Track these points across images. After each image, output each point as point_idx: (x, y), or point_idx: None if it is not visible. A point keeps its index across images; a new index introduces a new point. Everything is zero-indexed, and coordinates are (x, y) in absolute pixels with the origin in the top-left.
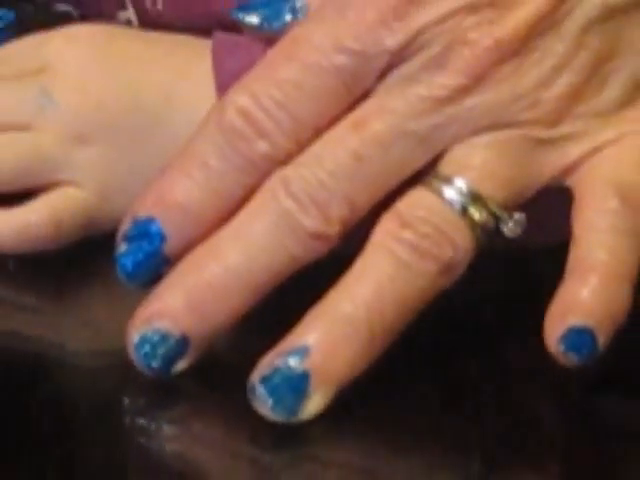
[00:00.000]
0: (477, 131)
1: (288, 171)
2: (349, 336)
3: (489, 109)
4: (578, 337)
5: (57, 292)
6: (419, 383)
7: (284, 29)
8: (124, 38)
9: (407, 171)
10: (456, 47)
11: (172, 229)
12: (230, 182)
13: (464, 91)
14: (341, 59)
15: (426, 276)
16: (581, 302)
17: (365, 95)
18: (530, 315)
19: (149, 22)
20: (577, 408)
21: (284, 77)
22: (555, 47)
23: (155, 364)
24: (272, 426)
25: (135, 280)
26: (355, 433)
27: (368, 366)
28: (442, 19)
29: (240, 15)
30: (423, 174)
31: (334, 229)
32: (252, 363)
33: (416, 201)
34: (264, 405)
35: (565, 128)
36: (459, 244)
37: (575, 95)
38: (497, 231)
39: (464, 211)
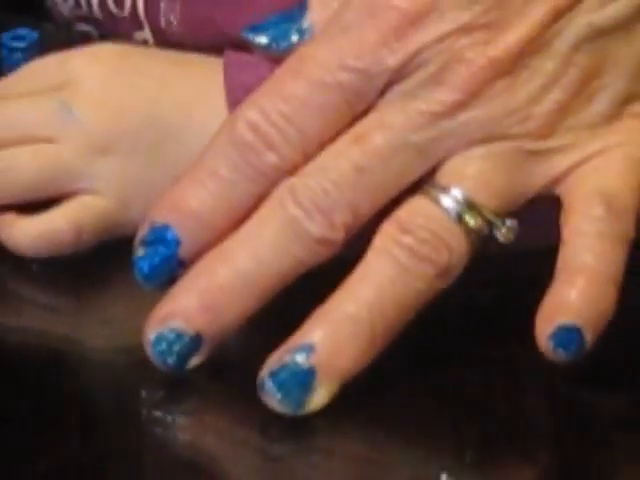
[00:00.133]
0: (472, 143)
1: (295, 181)
2: (352, 334)
3: (483, 123)
4: (566, 335)
5: (77, 293)
6: (418, 379)
7: (291, 49)
8: (141, 56)
9: (406, 181)
10: (452, 65)
11: (186, 235)
12: (240, 191)
13: (460, 106)
14: (345, 77)
15: (424, 279)
16: (569, 302)
17: (367, 110)
18: (521, 314)
19: (164, 41)
20: (565, 401)
21: (291, 93)
22: (545, 65)
23: (170, 360)
24: (280, 418)
25: (151, 282)
26: (357, 425)
27: (370, 362)
28: (439, 40)
29: (250, 36)
30: (421, 183)
31: (338, 235)
32: (261, 359)
33: (415, 209)
34: (272, 398)
35: (555, 141)
36: (455, 249)
37: (564, 110)
38: (491, 237)
39: (460, 218)
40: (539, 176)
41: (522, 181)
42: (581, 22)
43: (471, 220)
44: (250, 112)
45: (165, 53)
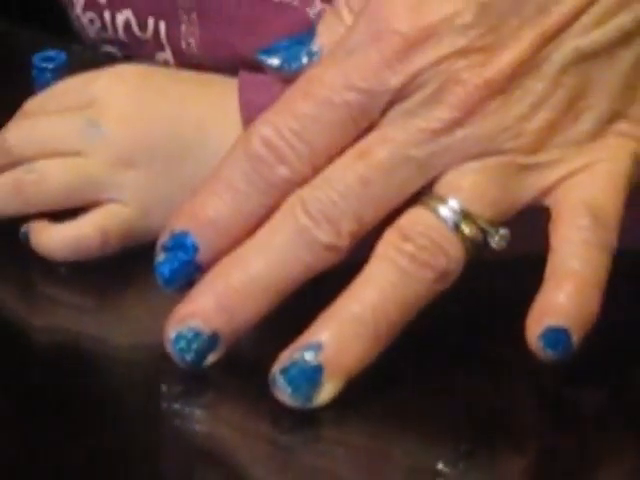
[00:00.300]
0: (468, 158)
1: (304, 192)
2: (357, 334)
3: (478, 139)
4: (555, 336)
5: (102, 294)
6: (417, 377)
7: (301, 70)
8: (162, 76)
9: (407, 192)
10: (450, 86)
11: (204, 241)
12: (254, 201)
13: (457, 124)
14: (351, 96)
15: (424, 282)
16: (557, 305)
17: (371, 127)
18: (513, 316)
19: (184, 62)
20: (552, 398)
21: (301, 111)
22: (535, 86)
23: (189, 357)
24: (290, 411)
25: (171, 285)
26: (361, 417)
27: (374, 360)
28: (438, 62)
29: (263, 57)
30: (421, 194)
31: (344, 242)
32: (272, 357)
33: (415, 218)
34: (283, 393)
35: (544, 156)
36: (452, 255)
37: (552, 127)
38: (485, 244)
39: (456, 227)
40: (529, 188)
41: (514, 193)
42: (568, 47)
43: (467, 229)
44: (263, 128)
45: (185, 73)
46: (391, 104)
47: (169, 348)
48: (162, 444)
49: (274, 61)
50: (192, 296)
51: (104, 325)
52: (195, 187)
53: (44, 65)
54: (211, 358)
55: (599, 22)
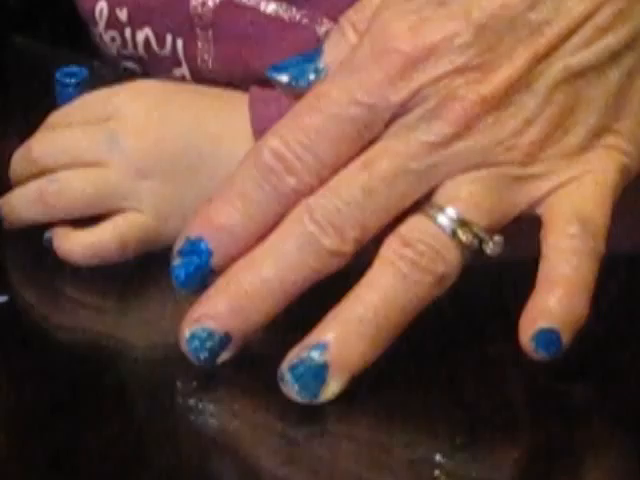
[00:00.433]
0: (465, 169)
1: (311, 201)
2: (360, 334)
3: (475, 152)
4: (546, 337)
5: (121, 296)
6: (417, 373)
7: (309, 86)
8: (179, 91)
9: (408, 201)
10: (448, 102)
11: (217, 247)
12: (264, 209)
13: (455, 137)
14: (355, 111)
15: (423, 286)
16: (549, 308)
17: (374, 140)
18: (508, 317)
19: (200, 77)
20: (545, 390)
21: (309, 125)
22: (528, 102)
23: (203, 356)
24: (297, 406)
25: (186, 287)
26: (365, 412)
27: (376, 358)
28: (437, 79)
29: (273, 74)
30: (420, 203)
31: (348, 248)
32: (281, 355)
33: (415, 225)
34: (291, 389)
35: (536, 168)
36: (449, 261)
37: (544, 141)
38: (481, 250)
39: (454, 234)
40: (522, 198)
41: (508, 202)
42: (559, 65)
43: (463, 236)
44: (273, 141)
45: (200, 88)
46: (393, 118)
47: (184, 347)
48: (177, 436)
49: (283, 78)
50: (206, 298)
51: (123, 325)
52: (208, 196)
53: (67, 80)
54: (224, 356)
55: (588, 43)
